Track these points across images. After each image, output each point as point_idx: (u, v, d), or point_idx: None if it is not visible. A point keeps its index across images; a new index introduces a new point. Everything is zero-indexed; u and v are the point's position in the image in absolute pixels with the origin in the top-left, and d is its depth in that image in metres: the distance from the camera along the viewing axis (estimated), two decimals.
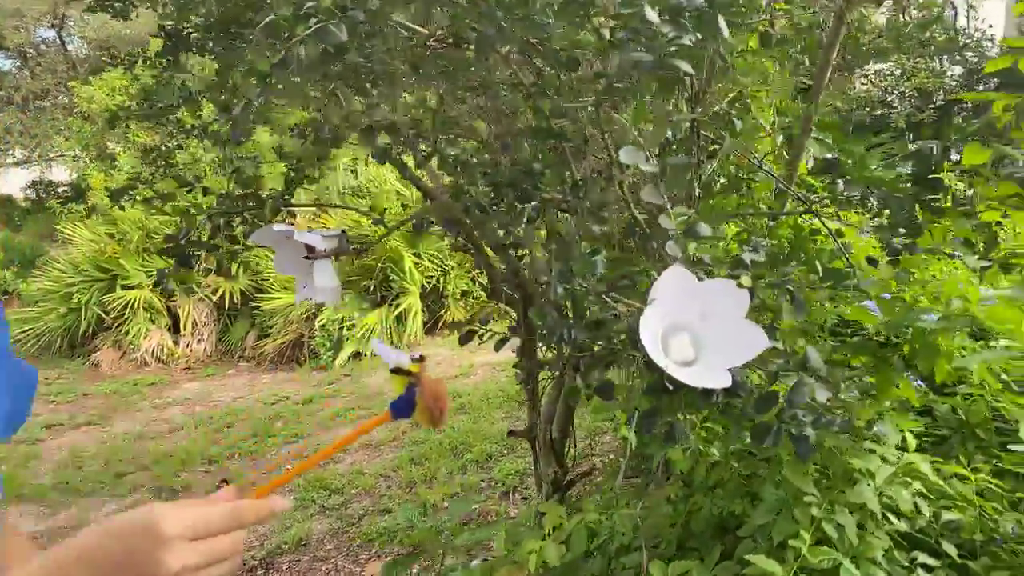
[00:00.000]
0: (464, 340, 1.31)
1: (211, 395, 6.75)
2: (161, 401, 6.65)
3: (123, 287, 7.55)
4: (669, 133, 1.30)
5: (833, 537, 1.45)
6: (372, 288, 7.21)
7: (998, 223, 1.67)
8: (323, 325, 6.90)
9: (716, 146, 1.60)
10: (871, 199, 1.62)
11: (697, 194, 1.60)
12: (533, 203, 1.32)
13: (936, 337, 1.36)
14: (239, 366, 7.71)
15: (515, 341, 1.37)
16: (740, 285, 1.13)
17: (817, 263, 1.12)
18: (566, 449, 2.50)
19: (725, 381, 1.12)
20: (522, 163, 1.31)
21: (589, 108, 1.20)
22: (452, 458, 4.40)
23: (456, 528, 2.10)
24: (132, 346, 7.64)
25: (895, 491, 1.51)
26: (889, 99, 9.27)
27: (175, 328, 7.98)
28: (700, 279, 1.18)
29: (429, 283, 7.34)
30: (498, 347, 1.32)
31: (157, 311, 7.79)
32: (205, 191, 2.05)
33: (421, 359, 0.81)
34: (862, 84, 9.37)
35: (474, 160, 1.37)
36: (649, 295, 1.18)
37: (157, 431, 5.84)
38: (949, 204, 1.50)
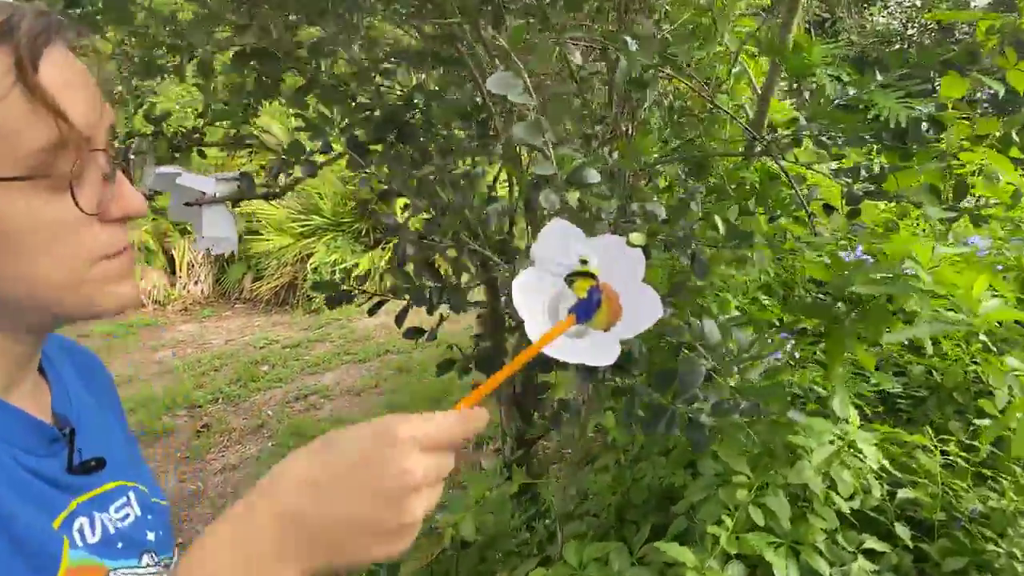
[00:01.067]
0: (332, 303, 1.14)
1: (204, 337, 6.70)
2: (155, 343, 6.61)
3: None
4: (578, 58, 1.09)
5: (761, 522, 1.30)
6: (365, 231, 7.05)
7: (978, 169, 1.45)
8: (315, 268, 6.78)
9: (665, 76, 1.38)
10: (832, 138, 1.41)
11: (628, 132, 1.40)
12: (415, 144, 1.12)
13: (881, 301, 1.17)
14: (235, 308, 7.65)
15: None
16: (631, 243, 0.94)
17: (718, 219, 0.93)
18: (532, 407, 2.37)
19: (612, 356, 0.95)
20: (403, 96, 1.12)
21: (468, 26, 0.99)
22: (431, 406, 4.30)
23: None
24: None
25: (835, 470, 1.34)
26: (909, 33, 8.73)
27: (172, 270, 7.91)
28: (590, 236, 1.00)
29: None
30: (372, 311, 1.16)
31: (152, 252, 7.71)
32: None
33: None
34: (882, 17, 8.83)
35: (344, 88, 1.16)
36: (531, 253, 1.00)
37: (148, 373, 5.81)
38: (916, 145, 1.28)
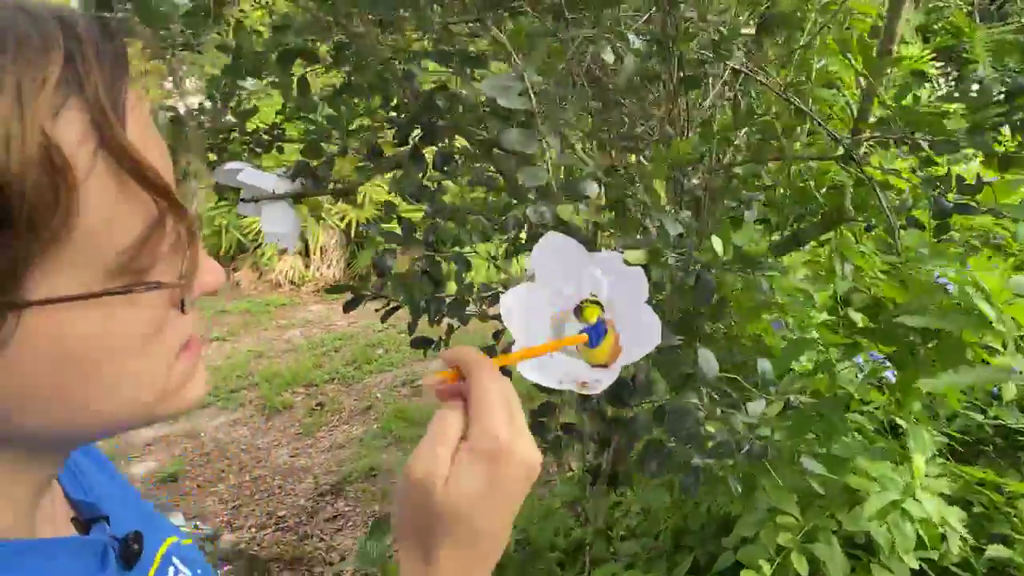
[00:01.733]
0: (348, 307, 1.12)
1: (330, 319, 7.04)
2: (286, 322, 7.03)
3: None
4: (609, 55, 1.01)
5: (804, 572, 1.16)
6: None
7: None
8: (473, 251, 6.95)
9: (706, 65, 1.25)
10: (918, 142, 1.23)
11: (685, 134, 1.28)
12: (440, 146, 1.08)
13: (956, 335, 1.00)
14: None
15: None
16: (627, 261, 0.86)
17: (717, 241, 0.82)
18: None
19: (606, 382, 0.87)
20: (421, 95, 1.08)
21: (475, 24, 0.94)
22: (527, 402, 4.29)
23: None
24: (267, 268, 8.10)
25: (894, 520, 1.18)
26: None
27: (307, 253, 8.37)
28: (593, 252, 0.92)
29: None
30: (384, 318, 1.13)
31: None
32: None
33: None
34: None
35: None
36: (526, 268, 0.93)
37: (275, 350, 6.18)
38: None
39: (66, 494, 0.56)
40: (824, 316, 1.67)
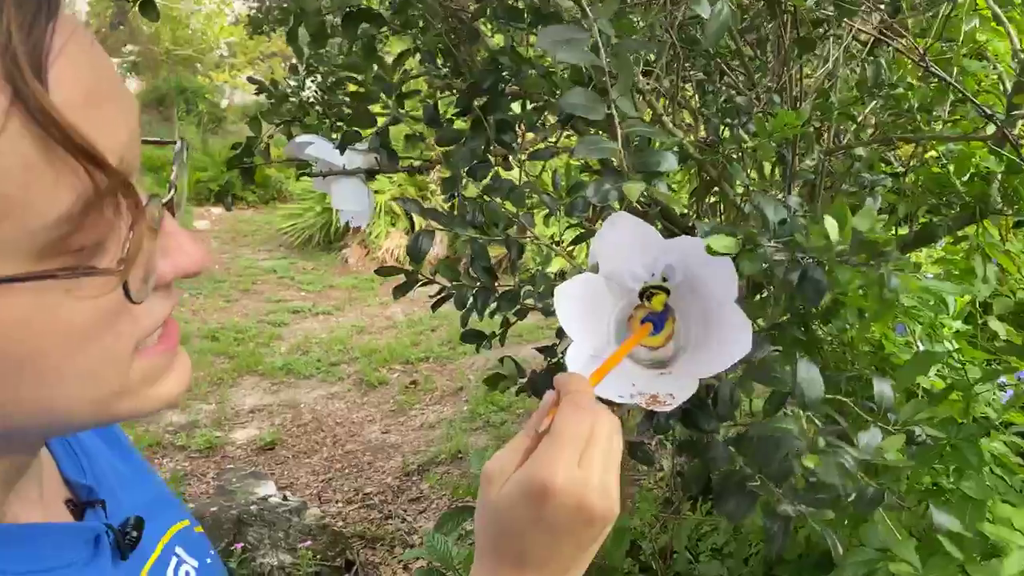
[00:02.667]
0: (398, 292, 1.02)
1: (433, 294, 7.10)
2: (389, 299, 7.13)
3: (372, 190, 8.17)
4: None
5: None
6: None
7: None
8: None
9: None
10: None
11: (798, 104, 1.09)
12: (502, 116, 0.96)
13: None
14: None
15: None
16: (710, 250, 0.69)
17: (830, 223, 0.64)
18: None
19: (680, 398, 0.72)
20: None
21: None
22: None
23: None
24: (374, 245, 8.26)
25: None
26: None
27: (413, 231, 8.49)
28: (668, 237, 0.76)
29: None
30: (435, 306, 1.02)
31: (396, 215, 8.31)
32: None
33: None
34: None
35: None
36: (590, 256, 0.79)
37: (376, 326, 6.29)
38: None
39: (63, 475, 0.52)
40: (959, 325, 1.43)
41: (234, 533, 2.82)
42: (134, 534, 0.51)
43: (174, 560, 0.56)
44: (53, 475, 0.52)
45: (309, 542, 2.85)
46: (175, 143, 0.45)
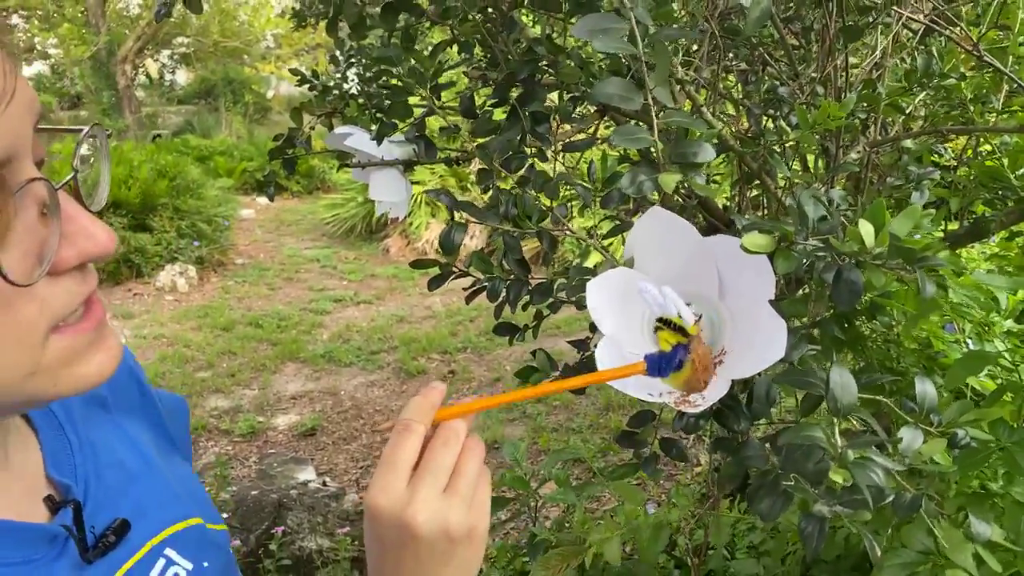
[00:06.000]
0: (432, 284, 1.02)
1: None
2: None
3: (411, 181, 8.22)
4: None
5: None
6: None
7: None
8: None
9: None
10: None
11: (842, 95, 1.05)
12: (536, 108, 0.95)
13: None
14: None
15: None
16: (745, 247, 0.68)
17: (865, 227, 0.62)
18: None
19: (711, 399, 0.71)
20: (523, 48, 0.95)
21: None
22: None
23: (561, 476, 1.86)
24: (415, 236, 8.32)
25: None
26: None
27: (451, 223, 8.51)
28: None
29: None
30: (468, 299, 1.02)
31: (437, 206, 8.35)
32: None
33: (699, 320, 0.63)
34: None
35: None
36: (624, 250, 0.78)
37: (416, 316, 6.34)
38: None
39: (48, 472, 0.52)
40: (1011, 324, 1.37)
41: (275, 516, 2.88)
42: (112, 539, 0.51)
43: (161, 562, 0.55)
44: (37, 469, 0.52)
45: (347, 528, 2.90)
46: (80, 130, 0.45)
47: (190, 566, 0.57)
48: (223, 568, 0.61)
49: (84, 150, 0.45)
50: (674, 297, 0.61)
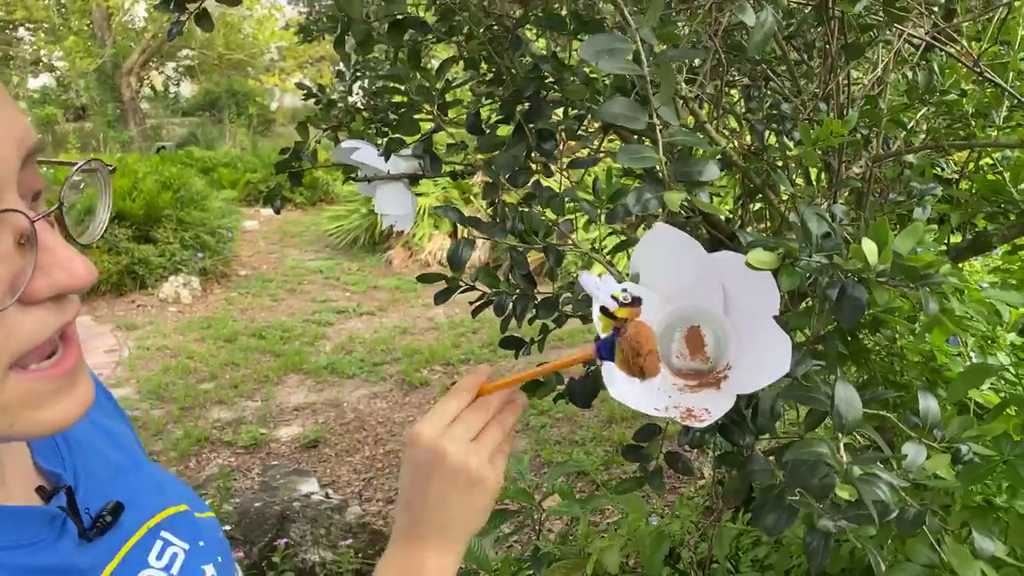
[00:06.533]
0: (439, 298, 1.03)
1: (471, 299, 7.12)
2: (431, 300, 7.16)
3: (415, 194, 8.26)
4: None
5: None
6: None
7: None
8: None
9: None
10: None
11: (844, 113, 1.06)
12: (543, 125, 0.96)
13: None
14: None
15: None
16: (749, 264, 0.69)
17: (867, 245, 0.62)
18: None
19: (716, 413, 0.72)
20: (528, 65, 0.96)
21: None
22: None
23: (565, 489, 1.86)
24: (417, 248, 8.34)
25: None
26: None
27: (456, 234, 8.53)
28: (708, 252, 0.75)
29: None
30: (475, 313, 1.03)
31: (440, 217, 8.37)
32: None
33: (634, 303, 0.68)
34: None
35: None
36: (630, 266, 0.79)
37: (418, 327, 6.34)
38: None
39: (37, 465, 0.54)
40: (1014, 337, 1.38)
41: (277, 529, 2.87)
42: (108, 519, 0.53)
43: (159, 543, 0.57)
44: (25, 463, 0.54)
45: (350, 540, 2.89)
46: (73, 164, 0.46)
47: (186, 546, 0.59)
48: (218, 547, 0.63)
49: (76, 178, 0.45)
50: (609, 284, 0.67)
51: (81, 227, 0.44)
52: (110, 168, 0.47)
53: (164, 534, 0.58)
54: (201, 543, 0.61)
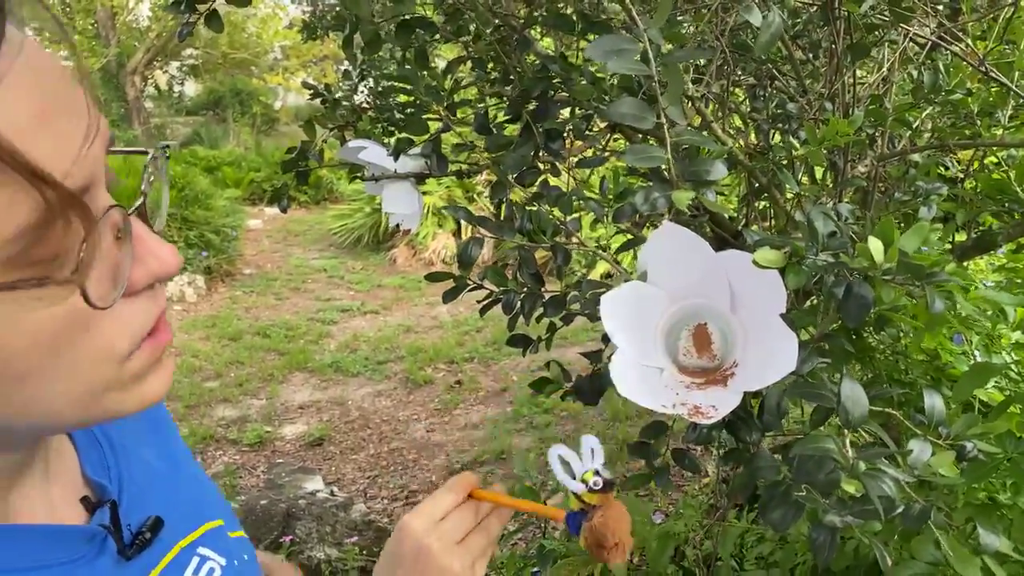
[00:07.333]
0: (447, 297, 1.04)
1: (476, 297, 7.13)
2: (435, 299, 7.19)
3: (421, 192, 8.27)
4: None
5: None
6: None
7: None
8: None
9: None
10: None
11: (850, 112, 1.07)
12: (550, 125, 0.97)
13: None
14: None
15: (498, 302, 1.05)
16: (756, 263, 0.69)
17: (874, 244, 0.63)
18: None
19: (724, 410, 0.72)
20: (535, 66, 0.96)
21: None
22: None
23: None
24: (421, 246, 8.35)
25: None
26: None
27: (460, 233, 8.54)
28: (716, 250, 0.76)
29: None
30: (482, 311, 1.04)
31: (444, 217, 8.38)
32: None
33: (606, 488, 0.67)
34: None
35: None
36: (637, 264, 0.79)
37: (423, 326, 6.36)
38: None
39: (84, 472, 0.54)
40: (1019, 336, 1.38)
41: (283, 526, 2.89)
42: (147, 535, 0.53)
43: (195, 560, 0.58)
44: (73, 472, 0.54)
45: (355, 537, 2.90)
46: (147, 152, 0.47)
47: (223, 562, 0.60)
48: (254, 569, 0.64)
49: (149, 168, 0.47)
50: (559, 468, 0.67)
51: (154, 216, 0.46)
52: (167, 155, 0.49)
53: (201, 549, 0.59)
54: (236, 562, 0.61)
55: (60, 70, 0.37)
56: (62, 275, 0.36)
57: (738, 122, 1.49)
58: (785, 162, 1.00)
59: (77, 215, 0.35)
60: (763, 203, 1.66)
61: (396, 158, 1.22)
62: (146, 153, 0.47)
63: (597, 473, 0.66)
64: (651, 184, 0.69)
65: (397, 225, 1.69)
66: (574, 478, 0.67)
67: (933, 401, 0.73)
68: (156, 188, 0.47)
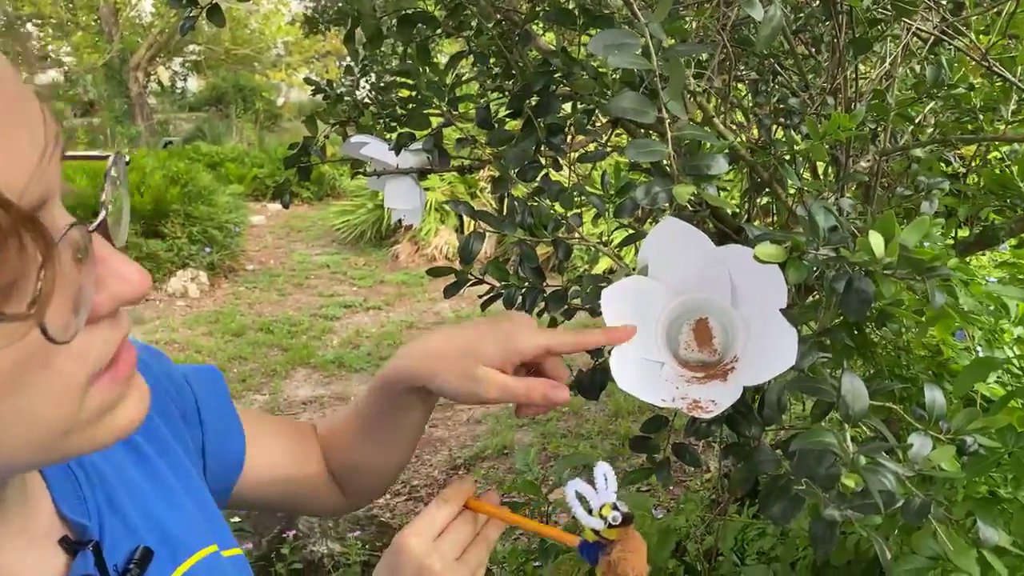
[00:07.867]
0: (448, 292, 1.04)
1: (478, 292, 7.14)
2: (437, 295, 7.19)
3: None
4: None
5: None
6: None
7: None
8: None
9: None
10: None
11: (851, 107, 1.07)
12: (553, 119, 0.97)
13: None
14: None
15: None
16: (757, 257, 0.69)
17: (875, 238, 0.63)
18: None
19: (723, 405, 0.73)
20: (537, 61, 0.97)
21: None
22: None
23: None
24: (424, 242, 8.36)
25: None
26: None
27: (462, 228, 8.54)
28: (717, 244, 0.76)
29: None
30: (484, 306, 1.04)
31: (446, 212, 8.38)
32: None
33: (625, 522, 0.66)
34: None
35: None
36: (638, 259, 0.80)
37: (425, 322, 6.37)
38: None
39: (60, 512, 0.50)
40: (1021, 331, 1.38)
41: (286, 521, 2.90)
42: (136, 571, 0.50)
43: None
44: (47, 511, 0.49)
45: (358, 532, 2.91)
46: (107, 157, 0.43)
47: None
48: None
49: (112, 175, 0.42)
50: (576, 503, 0.65)
51: (115, 229, 0.42)
52: (126, 160, 0.45)
53: None
54: None
55: (13, 78, 0.34)
56: (18, 308, 0.32)
57: (740, 117, 1.48)
58: (787, 157, 1.00)
59: (33, 238, 0.31)
60: (765, 198, 1.66)
61: (398, 153, 1.22)
62: (105, 159, 0.42)
63: (615, 507, 0.65)
64: (652, 179, 0.69)
65: (400, 220, 1.70)
66: (590, 512, 0.66)
67: (934, 395, 0.73)
68: (116, 200, 0.42)
